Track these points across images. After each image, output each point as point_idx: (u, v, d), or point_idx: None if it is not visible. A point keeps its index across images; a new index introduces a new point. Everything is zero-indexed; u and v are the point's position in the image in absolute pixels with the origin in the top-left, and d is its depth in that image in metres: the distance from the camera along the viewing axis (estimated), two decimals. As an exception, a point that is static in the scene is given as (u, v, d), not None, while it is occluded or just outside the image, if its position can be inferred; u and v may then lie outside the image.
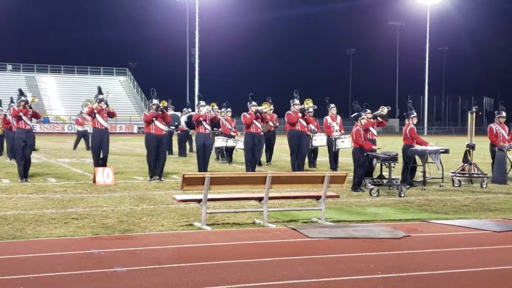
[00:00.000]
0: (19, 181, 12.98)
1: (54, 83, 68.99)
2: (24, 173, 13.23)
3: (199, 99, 15.63)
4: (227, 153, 18.95)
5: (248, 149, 15.35)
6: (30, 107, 13.45)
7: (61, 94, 66.06)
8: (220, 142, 18.25)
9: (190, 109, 23.17)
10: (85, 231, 7.63)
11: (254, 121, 15.30)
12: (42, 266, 5.88)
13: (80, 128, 26.02)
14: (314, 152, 17.45)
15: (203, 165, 14.68)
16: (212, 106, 17.28)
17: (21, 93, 14.01)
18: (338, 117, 16.83)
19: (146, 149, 14.14)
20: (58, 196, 10.90)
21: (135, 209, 9.45)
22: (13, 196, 10.74)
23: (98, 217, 8.70)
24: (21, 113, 13.21)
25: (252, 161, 15.35)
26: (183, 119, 20.43)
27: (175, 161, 19.42)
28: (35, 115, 13.70)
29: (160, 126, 13.87)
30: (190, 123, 18.05)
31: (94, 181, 12.72)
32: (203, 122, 14.55)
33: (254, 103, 15.54)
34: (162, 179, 13.71)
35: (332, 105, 16.79)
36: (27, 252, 6.44)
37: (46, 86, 67.48)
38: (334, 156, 16.43)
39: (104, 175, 12.71)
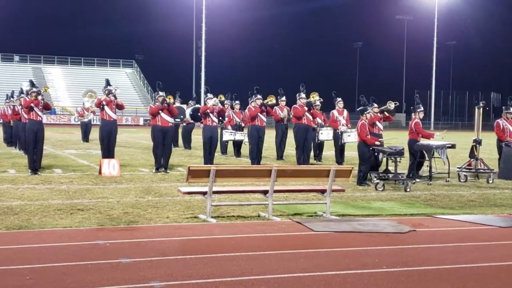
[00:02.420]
0: (29, 173, 12.75)
1: (60, 74, 69.16)
2: (34, 166, 12.94)
3: (207, 91, 15.65)
4: (235, 147, 18.91)
5: (254, 142, 15.35)
6: (43, 98, 13.31)
7: (67, 86, 66.20)
8: (228, 135, 18.20)
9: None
10: (91, 222, 7.65)
11: (259, 114, 15.30)
12: (48, 257, 5.90)
13: (85, 120, 26.05)
14: (320, 146, 17.43)
15: (209, 157, 14.72)
16: (220, 98, 17.27)
17: (32, 84, 13.93)
18: (345, 111, 16.79)
19: (152, 141, 14.15)
20: (64, 187, 10.94)
21: (141, 201, 9.46)
22: (19, 187, 10.78)
23: (104, 208, 8.72)
24: (32, 104, 12.99)
25: (257, 154, 15.35)
26: (188, 111, 20.41)
27: (180, 154, 19.44)
28: (47, 107, 13.54)
29: (166, 118, 13.87)
30: (195, 116, 18.03)
31: (100, 172, 12.74)
32: (210, 115, 14.58)
33: (259, 96, 15.54)
34: (168, 171, 13.73)
35: (339, 99, 16.75)
36: (33, 243, 6.47)
37: (52, 78, 67.66)
38: (340, 150, 16.41)
39: (110, 167, 12.74)
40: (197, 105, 19.69)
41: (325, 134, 16.72)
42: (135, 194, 10.25)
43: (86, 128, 25.98)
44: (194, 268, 5.55)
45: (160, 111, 13.81)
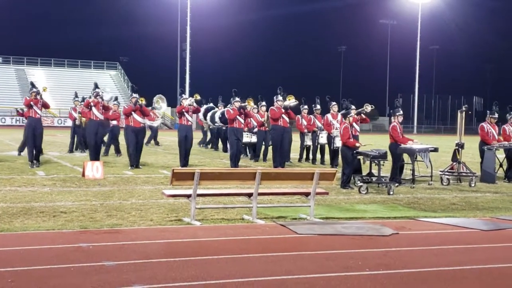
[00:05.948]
0: (29, 165, 14.42)
1: (44, 76, 68.61)
2: (32, 158, 14.59)
3: (181, 93, 16.35)
4: (250, 149, 19.03)
5: (233, 144, 15.37)
6: (41, 97, 14.64)
7: (51, 88, 65.22)
8: (245, 138, 18.23)
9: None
10: (74, 225, 7.60)
11: (238, 116, 15.36)
12: (30, 259, 5.86)
13: (155, 124, 25.47)
14: (321, 149, 17.80)
15: (185, 157, 15.08)
16: (195, 97, 17.44)
17: (32, 85, 15.27)
18: (339, 115, 16.94)
19: (125, 141, 15.09)
20: (47, 189, 10.86)
21: (124, 204, 9.42)
22: (2, 189, 10.68)
23: (87, 211, 8.67)
24: (32, 103, 14.40)
25: (236, 156, 15.36)
26: (217, 115, 20.27)
27: (164, 156, 19.39)
28: (45, 105, 14.92)
29: (138, 119, 15.03)
30: (224, 119, 18.20)
31: (83, 175, 12.67)
32: (186, 114, 15.11)
33: (237, 98, 15.67)
34: (140, 166, 14.92)
35: (334, 103, 17.04)
36: (15, 245, 6.41)
37: (35, 79, 66.84)
38: (333, 154, 16.52)
39: (94, 169, 12.66)
40: (212, 107, 20.86)
41: (325, 138, 17.14)
42: (118, 196, 10.21)
43: (155, 132, 25.43)
44: (178, 271, 5.54)
45: (133, 112, 14.91)
